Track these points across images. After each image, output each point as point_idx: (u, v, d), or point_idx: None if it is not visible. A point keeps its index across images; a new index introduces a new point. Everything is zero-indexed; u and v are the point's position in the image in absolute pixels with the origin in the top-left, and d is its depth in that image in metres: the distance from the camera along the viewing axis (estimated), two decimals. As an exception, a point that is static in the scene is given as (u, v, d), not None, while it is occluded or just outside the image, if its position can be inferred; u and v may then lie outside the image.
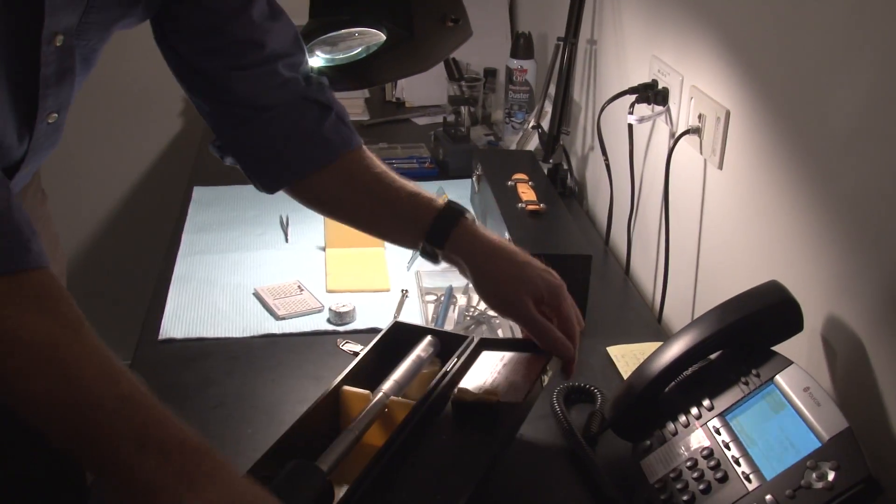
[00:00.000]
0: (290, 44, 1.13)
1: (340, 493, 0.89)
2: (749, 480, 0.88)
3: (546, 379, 1.05)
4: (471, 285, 1.41)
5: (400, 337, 1.19)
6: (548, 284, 1.07)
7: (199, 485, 0.73)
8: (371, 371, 1.13)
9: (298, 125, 1.12)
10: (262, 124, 1.12)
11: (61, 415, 0.74)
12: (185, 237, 1.59)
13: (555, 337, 1.07)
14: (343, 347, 1.27)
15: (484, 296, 1.11)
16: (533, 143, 1.87)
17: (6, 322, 0.74)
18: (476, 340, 1.16)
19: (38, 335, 0.74)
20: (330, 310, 1.34)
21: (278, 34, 1.11)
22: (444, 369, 1.09)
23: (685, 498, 0.91)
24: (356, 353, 1.15)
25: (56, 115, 1.04)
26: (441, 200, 1.11)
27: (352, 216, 1.16)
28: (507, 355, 1.14)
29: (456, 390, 1.04)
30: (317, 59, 1.21)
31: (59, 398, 0.74)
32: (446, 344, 1.16)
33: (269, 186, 1.16)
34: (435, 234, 1.09)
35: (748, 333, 1.00)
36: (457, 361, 1.11)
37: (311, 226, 1.63)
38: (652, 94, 1.45)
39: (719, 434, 0.94)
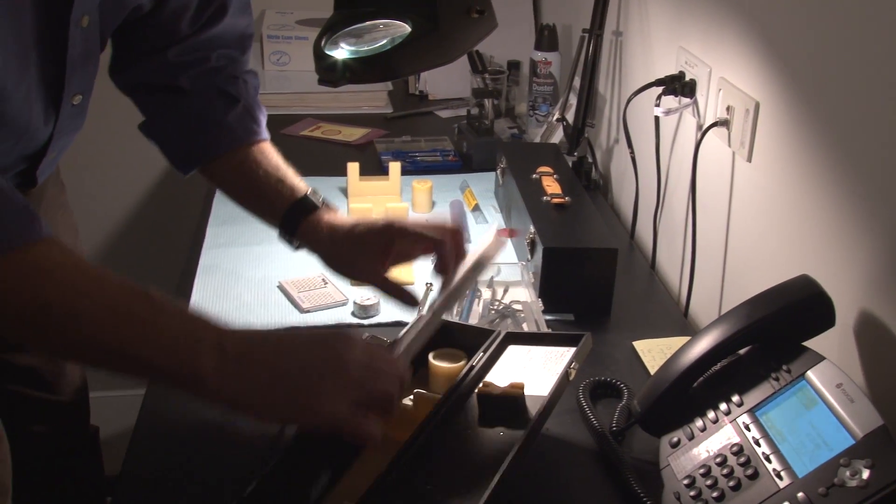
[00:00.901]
0: (234, 38, 1.22)
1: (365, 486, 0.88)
2: (780, 478, 0.87)
3: (573, 373, 1.04)
4: (494, 278, 1.41)
5: None
6: (377, 231, 1.11)
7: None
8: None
9: (206, 112, 1.21)
10: (176, 108, 1.21)
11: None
12: (209, 229, 1.59)
13: (394, 291, 1.12)
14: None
15: (339, 274, 1.19)
16: (557, 136, 1.86)
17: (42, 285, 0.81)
18: (502, 334, 1.15)
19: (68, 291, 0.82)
20: (354, 303, 1.34)
21: (228, 26, 1.21)
22: (469, 363, 1.09)
23: (714, 495, 0.90)
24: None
25: (80, 96, 1.09)
26: (301, 193, 1.16)
27: (240, 201, 1.24)
28: (533, 349, 1.13)
29: (481, 384, 1.03)
30: (341, 52, 1.20)
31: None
32: (472, 338, 1.15)
33: (181, 167, 1.24)
34: (286, 225, 1.16)
35: (778, 328, 0.99)
36: (483, 356, 1.10)
37: (335, 219, 1.63)
38: (679, 85, 1.44)
39: (749, 430, 0.93)
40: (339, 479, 0.98)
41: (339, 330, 0.89)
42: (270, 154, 1.22)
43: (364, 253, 1.11)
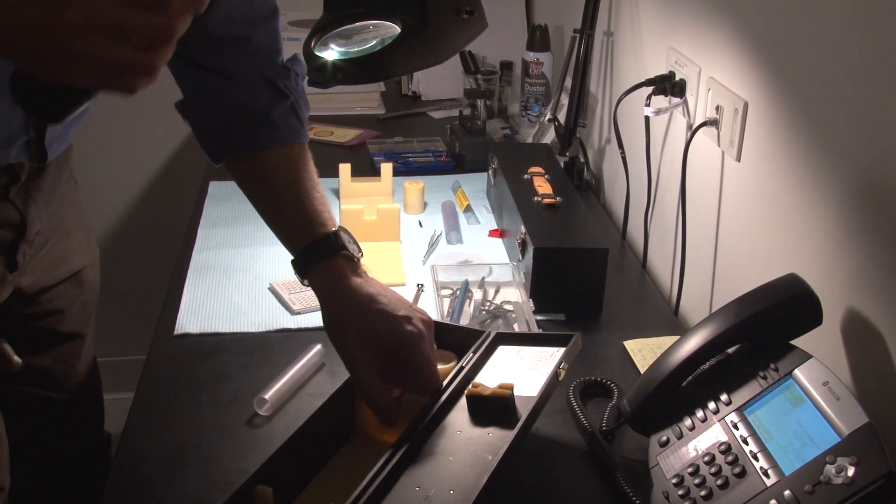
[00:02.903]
0: (266, 10, 1.14)
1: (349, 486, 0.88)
2: (767, 476, 0.87)
3: (562, 373, 1.04)
4: (486, 279, 1.41)
5: None
6: (396, 336, 1.01)
7: None
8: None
9: (249, 101, 1.11)
10: (217, 91, 1.12)
11: None
12: (200, 232, 1.59)
13: (376, 400, 1.01)
14: None
15: (332, 341, 1.06)
16: (549, 136, 1.86)
17: None
18: (493, 335, 1.15)
19: None
20: (345, 304, 1.34)
21: (262, 5, 1.13)
22: (459, 364, 1.09)
23: (702, 493, 0.90)
24: None
25: None
26: (327, 229, 1.07)
27: (258, 206, 1.15)
28: (523, 349, 1.13)
29: (471, 385, 1.03)
30: (331, 52, 1.20)
31: None
32: (463, 338, 1.15)
33: (213, 156, 1.16)
34: (300, 263, 1.08)
35: (766, 327, 0.99)
36: (473, 356, 1.10)
37: (327, 220, 1.63)
38: (669, 85, 1.44)
39: (737, 429, 0.93)
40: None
41: None
42: (303, 162, 1.13)
43: (366, 346, 1.01)
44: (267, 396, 1.13)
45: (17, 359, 1.08)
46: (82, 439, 1.41)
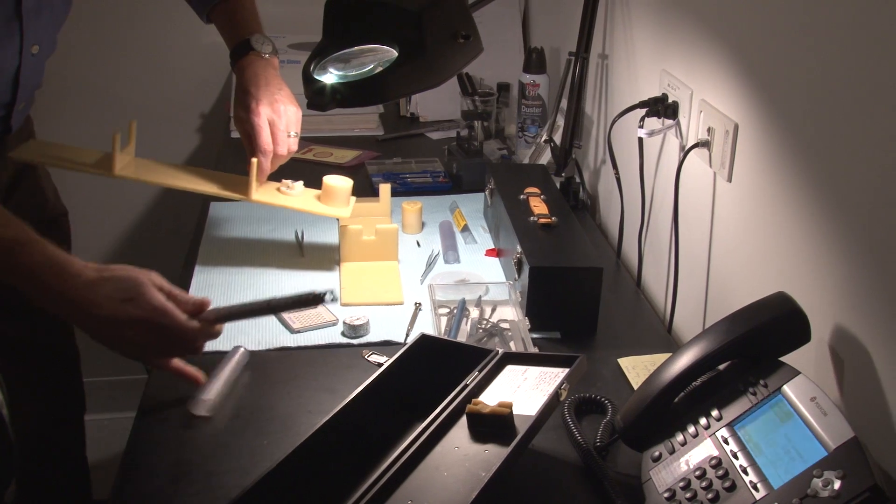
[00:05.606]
0: None
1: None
2: (756, 489, 0.89)
3: (564, 393, 1.05)
4: (482, 297, 1.43)
5: (425, 350, 1.19)
6: (245, 107, 1.49)
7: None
8: (394, 382, 1.14)
9: None
10: None
11: None
12: (201, 252, 1.61)
13: (257, 141, 1.50)
14: (369, 359, 1.29)
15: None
16: (545, 157, 1.88)
17: None
18: (500, 354, 1.17)
19: None
20: (344, 323, 1.36)
21: None
22: (464, 382, 1.10)
23: (694, 507, 0.92)
24: (380, 365, 1.17)
25: (37, 46, 1.38)
26: (245, 36, 1.54)
27: (224, 36, 1.61)
28: (529, 369, 1.15)
29: (472, 402, 1.05)
30: (330, 76, 1.23)
31: None
32: (470, 357, 1.17)
33: (200, 13, 1.62)
34: (231, 59, 1.56)
35: (756, 344, 1.01)
36: (478, 375, 1.12)
37: (326, 240, 1.65)
38: (662, 107, 1.47)
39: (727, 443, 0.95)
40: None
41: (135, 297, 1.11)
42: (249, 3, 1.60)
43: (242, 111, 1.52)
44: (206, 398, 1.18)
45: None
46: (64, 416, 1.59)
